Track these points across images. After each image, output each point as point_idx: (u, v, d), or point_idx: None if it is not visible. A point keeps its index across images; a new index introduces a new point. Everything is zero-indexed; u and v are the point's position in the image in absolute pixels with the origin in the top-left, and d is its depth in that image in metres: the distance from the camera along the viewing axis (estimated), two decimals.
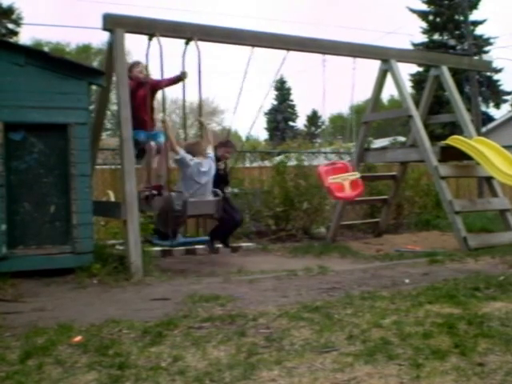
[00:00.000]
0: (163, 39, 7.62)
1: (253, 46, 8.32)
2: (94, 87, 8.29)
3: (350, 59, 9.34)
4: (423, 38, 30.87)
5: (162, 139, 7.82)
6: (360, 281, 6.09)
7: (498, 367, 3.26)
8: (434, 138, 12.53)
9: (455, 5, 27.70)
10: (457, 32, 29.31)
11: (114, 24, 7.39)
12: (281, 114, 49.23)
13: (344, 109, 51.88)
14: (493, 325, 4.06)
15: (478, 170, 9.61)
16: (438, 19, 30.40)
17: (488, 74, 26.49)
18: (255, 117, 8.16)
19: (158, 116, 8.30)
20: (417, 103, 10.57)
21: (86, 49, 46.17)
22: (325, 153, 14.23)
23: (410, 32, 31.97)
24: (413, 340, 3.73)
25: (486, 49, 29.38)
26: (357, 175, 8.85)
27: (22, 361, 3.48)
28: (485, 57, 25.88)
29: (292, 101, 51.32)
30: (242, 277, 6.58)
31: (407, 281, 6.02)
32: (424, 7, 30.69)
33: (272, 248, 9.82)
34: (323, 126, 51.79)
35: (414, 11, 30.70)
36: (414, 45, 30.12)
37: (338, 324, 4.17)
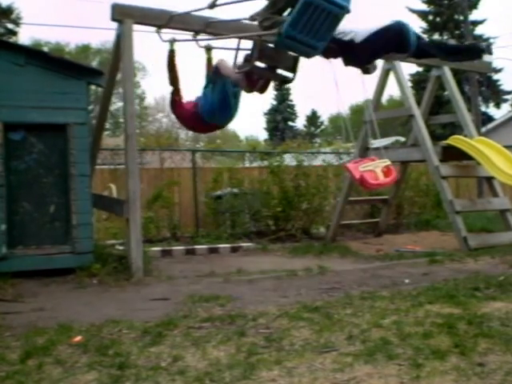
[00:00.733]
0: (172, 31, 7.46)
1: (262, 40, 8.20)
2: (93, 87, 8.29)
3: None
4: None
5: None
6: (360, 281, 6.09)
7: (498, 367, 3.25)
8: (434, 138, 12.51)
9: (455, 4, 27.72)
10: (457, 32, 29.31)
11: (123, 14, 7.20)
12: (280, 114, 49.20)
13: (344, 109, 51.87)
14: (493, 325, 4.06)
15: (479, 170, 9.61)
16: (437, 19, 30.40)
17: (488, 73, 26.48)
18: None
19: None
20: (417, 103, 10.56)
21: (85, 49, 46.16)
22: (324, 153, 14.23)
23: None
24: (413, 340, 3.73)
25: None
26: (387, 162, 8.55)
27: (22, 361, 3.48)
28: (485, 57, 25.86)
29: (291, 101, 51.29)
30: (241, 277, 6.58)
31: (407, 281, 6.02)
32: (424, 7, 30.70)
33: (272, 248, 9.82)
34: (322, 126, 51.93)
35: (413, 11, 30.71)
36: None
37: (337, 324, 4.16)
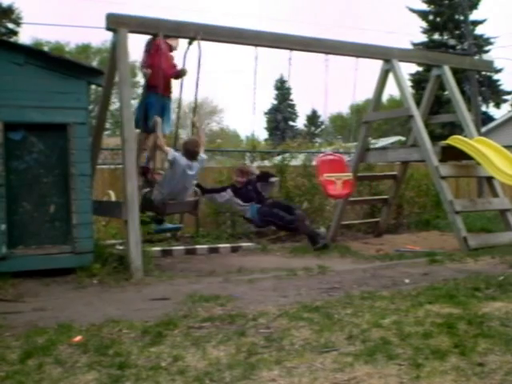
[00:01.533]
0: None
1: (256, 45, 8.31)
2: (93, 87, 8.30)
3: (350, 59, 9.35)
4: (423, 38, 30.88)
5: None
6: (360, 281, 6.09)
7: (498, 367, 3.25)
8: (434, 137, 12.51)
9: (455, 4, 27.71)
10: (457, 32, 29.32)
11: (117, 24, 7.34)
12: (281, 113, 49.22)
13: (344, 109, 51.97)
14: (493, 325, 4.06)
15: (479, 170, 9.60)
16: (438, 19, 30.40)
17: (488, 73, 26.50)
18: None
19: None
20: (417, 103, 10.56)
21: (85, 48, 46.15)
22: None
23: (409, 32, 32.00)
24: (413, 340, 3.73)
25: (486, 48, 29.40)
26: (350, 176, 9.26)
27: (22, 360, 3.49)
28: (485, 56, 25.91)
29: (292, 100, 51.31)
30: (241, 277, 6.58)
31: (407, 281, 6.02)
32: (424, 7, 30.71)
33: (272, 248, 9.82)
34: (323, 126, 51.91)
35: (413, 11, 30.71)
36: (414, 44, 30.12)
37: (337, 324, 4.17)
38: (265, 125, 51.06)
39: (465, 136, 9.72)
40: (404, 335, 3.84)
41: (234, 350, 3.63)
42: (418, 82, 27.21)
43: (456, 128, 17.59)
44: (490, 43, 29.87)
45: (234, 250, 9.60)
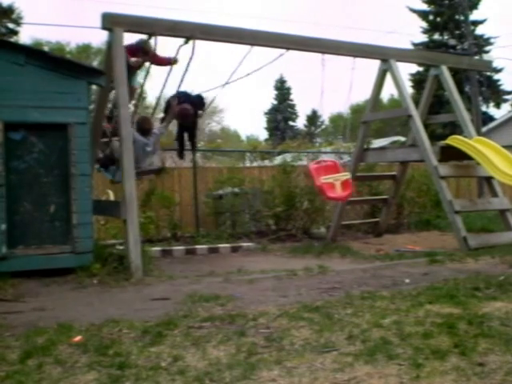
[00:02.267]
0: (162, 38, 7.66)
1: (252, 44, 8.31)
2: (93, 87, 8.31)
3: (349, 59, 9.35)
4: (423, 38, 30.90)
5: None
6: (360, 281, 6.09)
7: (498, 367, 3.25)
8: (434, 137, 12.51)
9: (455, 4, 27.68)
10: (457, 32, 29.31)
11: (113, 23, 7.37)
12: (281, 113, 49.23)
13: (344, 108, 51.92)
14: (493, 325, 4.05)
15: (478, 170, 9.60)
16: (438, 19, 30.42)
17: (488, 73, 26.49)
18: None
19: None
20: (417, 103, 10.57)
21: (85, 48, 46.09)
22: (325, 153, 14.23)
23: (410, 32, 32.01)
24: (413, 340, 3.73)
25: (486, 48, 29.40)
26: (348, 176, 9.05)
27: (22, 360, 3.48)
28: (485, 56, 25.91)
29: (292, 100, 51.32)
30: (241, 277, 6.58)
31: (407, 281, 6.01)
32: (424, 7, 30.73)
33: (272, 248, 9.82)
34: (323, 126, 51.90)
35: (414, 11, 30.72)
36: (414, 44, 30.13)
37: (337, 324, 4.17)
38: (265, 125, 51.07)
39: (464, 136, 9.72)
40: (404, 335, 3.84)
41: (234, 350, 3.62)
42: (419, 82, 27.19)
43: (457, 128, 17.57)
44: (490, 43, 29.87)
45: (234, 249, 9.60)
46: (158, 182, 11.03)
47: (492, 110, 32.44)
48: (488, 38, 29.89)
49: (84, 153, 6.97)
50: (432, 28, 30.64)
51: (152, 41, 7.86)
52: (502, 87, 31.77)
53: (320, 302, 4.87)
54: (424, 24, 30.74)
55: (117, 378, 3.18)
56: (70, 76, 6.97)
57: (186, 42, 7.87)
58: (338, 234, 10.84)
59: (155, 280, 6.49)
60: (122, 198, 7.16)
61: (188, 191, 11.42)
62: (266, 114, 50.08)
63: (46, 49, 30.46)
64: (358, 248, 9.66)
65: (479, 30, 29.61)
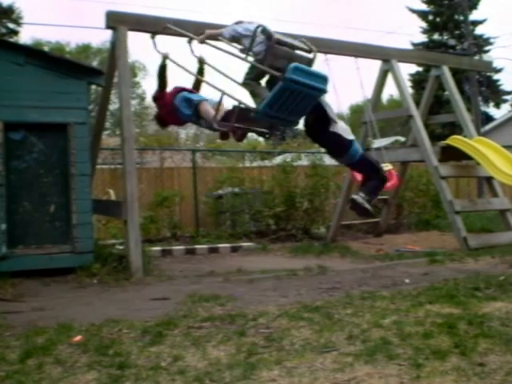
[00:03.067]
0: (167, 37, 7.61)
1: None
2: (93, 86, 8.31)
3: (350, 59, 9.35)
4: (423, 38, 30.86)
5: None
6: (360, 281, 6.09)
7: (498, 367, 3.25)
8: (434, 137, 12.50)
9: (455, 4, 27.67)
10: (457, 32, 29.29)
11: (117, 22, 7.32)
12: None
13: (344, 108, 51.81)
14: (493, 325, 4.05)
15: (478, 170, 9.61)
16: (437, 19, 30.37)
17: (488, 73, 26.48)
18: None
19: None
20: (417, 103, 10.56)
21: (85, 48, 46.05)
22: (325, 153, 14.18)
23: (409, 32, 31.97)
24: (413, 340, 3.73)
25: (486, 48, 29.37)
26: (389, 166, 8.84)
27: (22, 360, 3.48)
28: (485, 57, 25.90)
29: None
30: (241, 276, 6.58)
31: (407, 281, 6.02)
32: (424, 7, 30.67)
33: (272, 248, 9.82)
34: None
35: (413, 11, 30.69)
36: (414, 45, 30.10)
37: (337, 324, 4.16)
38: None
39: (464, 136, 9.73)
40: (404, 335, 3.83)
41: (234, 350, 3.62)
42: (419, 82, 27.17)
43: (456, 128, 17.59)
44: (490, 43, 29.82)
45: (234, 249, 9.60)
46: (157, 182, 11.04)
47: (492, 110, 32.46)
48: (488, 38, 29.85)
49: (84, 153, 6.98)
50: (432, 28, 30.59)
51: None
52: (501, 87, 31.74)
53: (320, 302, 4.87)
54: (424, 24, 30.70)
55: (117, 378, 3.18)
56: (70, 76, 6.97)
57: (190, 42, 7.85)
58: (338, 234, 10.84)
59: (155, 280, 6.49)
60: (123, 198, 7.15)
61: (188, 191, 11.42)
62: None
63: (45, 49, 30.45)
64: (357, 248, 9.66)
65: (479, 30, 29.57)
